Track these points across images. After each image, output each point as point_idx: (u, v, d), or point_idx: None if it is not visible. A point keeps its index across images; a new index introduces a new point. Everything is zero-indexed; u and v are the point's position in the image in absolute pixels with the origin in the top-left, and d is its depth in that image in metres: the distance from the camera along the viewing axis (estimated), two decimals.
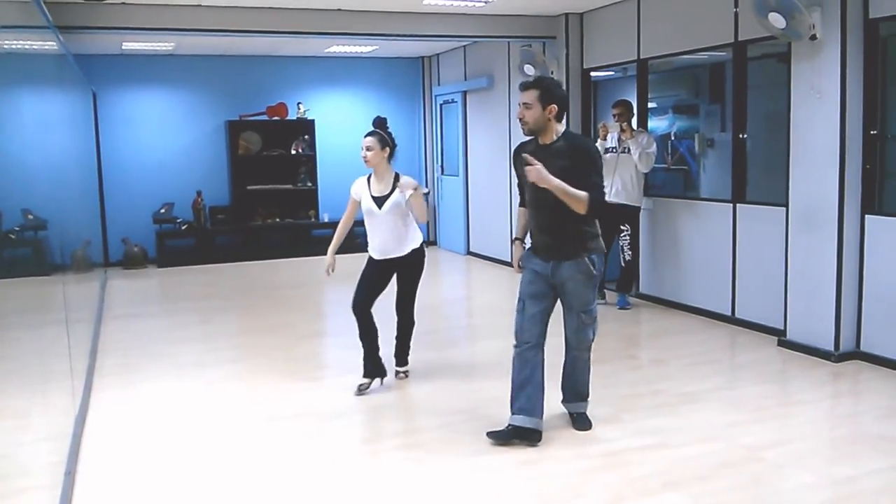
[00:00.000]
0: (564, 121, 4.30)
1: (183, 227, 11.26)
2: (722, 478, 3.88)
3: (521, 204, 4.53)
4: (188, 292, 9.46)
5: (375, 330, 5.28)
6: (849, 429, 4.71)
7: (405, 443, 4.47)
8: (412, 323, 5.48)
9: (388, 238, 5.20)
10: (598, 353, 6.23)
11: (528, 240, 4.54)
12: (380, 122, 5.33)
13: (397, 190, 5.14)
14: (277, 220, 11.77)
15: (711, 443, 4.32)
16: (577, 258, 4.19)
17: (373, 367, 5.29)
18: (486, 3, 7.85)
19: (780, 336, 6.26)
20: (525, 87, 4.21)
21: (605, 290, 7.92)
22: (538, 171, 3.99)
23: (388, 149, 5.21)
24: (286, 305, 8.46)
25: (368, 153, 5.16)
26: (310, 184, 11.81)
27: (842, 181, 5.67)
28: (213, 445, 4.48)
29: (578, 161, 4.12)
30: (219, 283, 9.88)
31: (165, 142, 11.46)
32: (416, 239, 5.28)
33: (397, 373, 5.53)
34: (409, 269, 5.29)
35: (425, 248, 5.40)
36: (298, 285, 9.60)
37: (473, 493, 3.81)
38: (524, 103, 4.16)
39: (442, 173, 12.34)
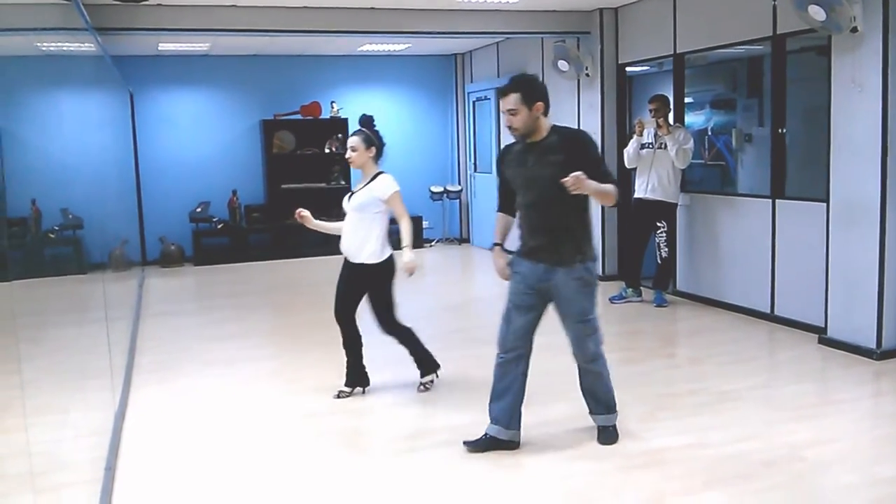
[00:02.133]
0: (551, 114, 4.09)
1: (219, 226, 11.36)
2: (763, 477, 3.82)
3: (500, 209, 4.33)
4: (224, 290, 9.54)
5: (359, 339, 5.14)
6: (891, 428, 4.62)
7: (435, 441, 4.43)
8: (405, 332, 5.15)
9: (348, 237, 4.99)
10: (635, 352, 6.23)
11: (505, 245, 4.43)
12: (366, 121, 5.14)
13: (367, 189, 4.97)
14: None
15: (751, 441, 4.26)
16: (572, 264, 3.99)
17: (354, 377, 5.19)
18: None
19: (820, 333, 6.15)
20: (504, 92, 3.96)
21: (642, 288, 7.84)
22: (578, 179, 3.71)
23: (373, 148, 4.99)
24: (320, 303, 8.42)
25: (353, 154, 4.97)
26: (343, 182, 11.84)
27: (884, 176, 5.55)
28: (248, 441, 4.51)
29: (574, 153, 3.90)
30: (254, 281, 9.95)
31: (201, 141, 11.57)
32: (374, 252, 4.91)
33: (422, 385, 5.26)
34: (364, 280, 4.99)
35: (393, 265, 4.99)
36: (332, 283, 9.56)
37: (510, 492, 3.79)
38: (508, 110, 3.93)
39: (475, 170, 12.31)
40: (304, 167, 11.72)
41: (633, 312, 7.44)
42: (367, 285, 5.01)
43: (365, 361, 5.22)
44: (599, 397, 4.29)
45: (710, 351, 6.12)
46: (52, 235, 9.59)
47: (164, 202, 11.35)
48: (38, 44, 7.35)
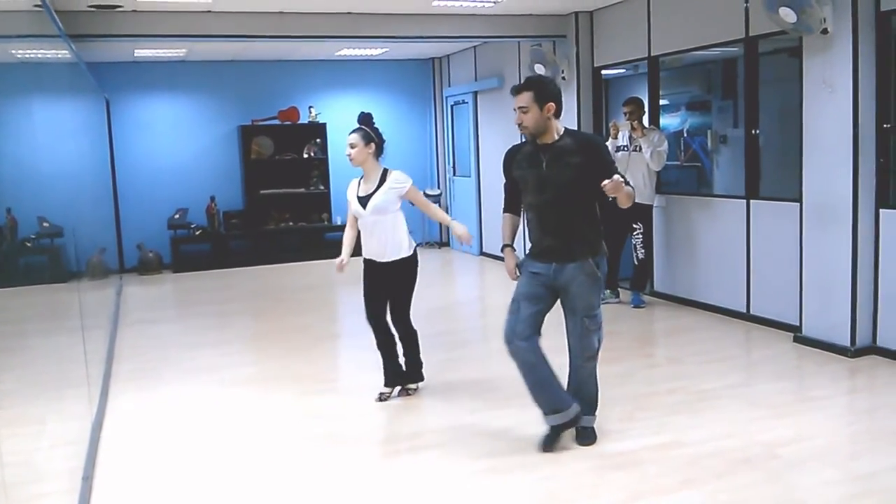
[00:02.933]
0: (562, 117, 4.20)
1: (197, 233, 11.31)
2: (739, 475, 3.86)
3: (507, 209, 4.42)
4: (203, 297, 9.50)
5: (393, 338, 5.16)
6: (867, 424, 4.69)
7: (417, 445, 4.46)
8: (411, 333, 5.20)
9: (375, 242, 5.00)
10: (613, 353, 6.24)
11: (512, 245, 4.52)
12: (365, 118, 5.15)
13: (383, 190, 4.96)
14: (290, 223, 11.80)
15: (728, 440, 4.30)
16: (583, 260, 4.08)
17: (393, 376, 5.19)
18: (495, 3, 7.85)
19: (795, 332, 6.22)
20: (518, 90, 4.07)
21: (619, 289, 7.89)
22: (617, 184, 3.80)
23: (373, 144, 4.98)
24: (301, 308, 8.48)
25: (352, 150, 4.97)
26: (322, 187, 11.84)
27: (855, 175, 5.62)
28: (229, 449, 4.49)
29: (594, 157, 4.03)
30: (234, 288, 9.91)
31: (179, 148, 11.52)
32: (403, 246, 5.02)
33: (405, 390, 5.24)
34: (396, 277, 5.03)
35: (418, 256, 5.12)
36: (312, 288, 9.62)
37: (486, 495, 3.80)
38: (520, 107, 4.03)
39: (454, 174, 12.34)
40: (282, 172, 11.70)
41: (611, 313, 7.46)
42: (401, 279, 5.06)
43: (383, 368, 5.22)
44: (586, 397, 4.30)
45: (688, 350, 6.17)
46: (28, 244, 9.51)
47: (141, 209, 11.28)
48: (11, 51, 7.29)
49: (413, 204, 5.15)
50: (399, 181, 5.00)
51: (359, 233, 5.15)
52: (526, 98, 4.02)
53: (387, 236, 4.98)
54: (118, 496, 3.93)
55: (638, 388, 5.26)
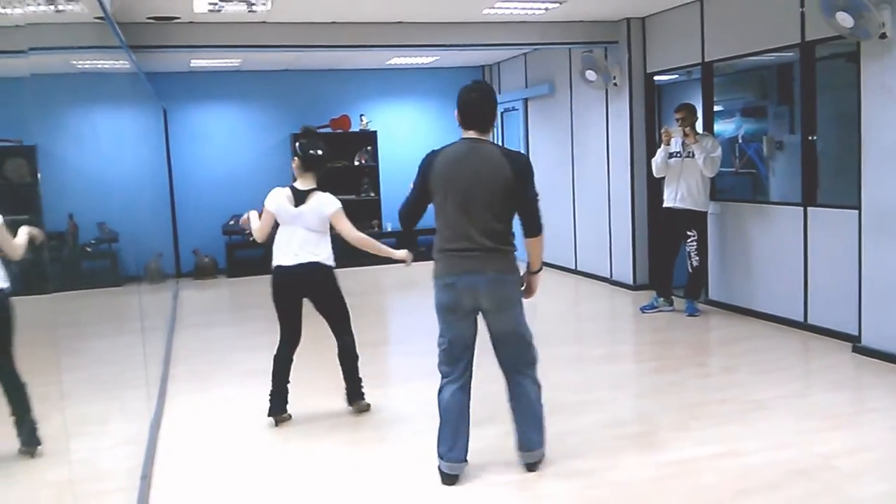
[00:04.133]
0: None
1: (251, 238, 11.44)
2: (794, 486, 3.79)
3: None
4: (257, 301, 9.59)
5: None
6: None
7: (472, 448, 4.45)
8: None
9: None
10: (667, 361, 6.21)
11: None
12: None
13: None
14: None
15: (783, 451, 4.23)
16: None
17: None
18: (545, 10, 7.85)
19: (854, 342, 6.09)
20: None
21: (674, 297, 7.81)
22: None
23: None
24: (354, 311, 8.54)
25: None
26: (373, 194, 11.94)
27: None
28: (282, 451, 4.56)
29: None
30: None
31: (233, 155, 11.73)
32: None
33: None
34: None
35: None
36: (362, 293, 9.67)
37: (535, 502, 3.79)
38: None
39: None
40: (333, 179, 11.77)
41: (665, 322, 7.41)
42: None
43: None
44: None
45: (743, 360, 6.07)
46: (88, 249, 9.77)
47: (197, 215, 11.51)
48: (74, 62, 7.51)
49: None
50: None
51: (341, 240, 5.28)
52: None
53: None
54: (176, 494, 4.02)
55: (692, 397, 5.20)
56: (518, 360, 3.99)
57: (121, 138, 8.66)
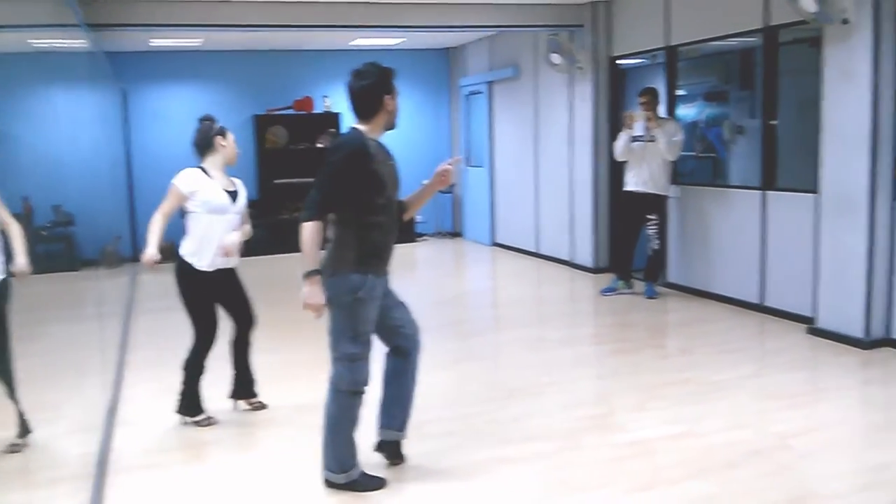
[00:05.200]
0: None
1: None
2: (751, 465, 3.85)
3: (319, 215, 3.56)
4: None
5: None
6: (880, 416, 4.67)
7: (428, 433, 4.45)
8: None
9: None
10: (627, 343, 6.26)
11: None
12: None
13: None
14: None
15: (740, 431, 4.29)
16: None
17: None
18: None
19: (809, 324, 6.18)
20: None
21: (633, 280, 7.87)
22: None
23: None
24: None
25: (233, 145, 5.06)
26: None
27: (873, 166, 5.58)
28: (242, 435, 4.52)
29: None
30: (247, 276, 9.84)
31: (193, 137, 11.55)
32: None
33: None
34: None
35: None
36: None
37: (498, 484, 3.81)
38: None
39: (468, 165, 12.32)
40: (296, 162, 11.72)
41: (625, 304, 7.47)
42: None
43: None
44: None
45: (701, 341, 6.15)
46: (43, 232, 9.59)
47: (156, 198, 10.97)
48: (31, 40, 7.34)
49: None
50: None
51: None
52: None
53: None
54: (132, 482, 3.96)
55: (650, 379, 5.24)
56: None
57: (78, 119, 8.50)
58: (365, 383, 3.68)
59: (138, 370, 5.88)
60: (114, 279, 8.63)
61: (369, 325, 3.65)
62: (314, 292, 3.55)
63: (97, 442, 4.33)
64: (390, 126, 3.73)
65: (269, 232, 11.61)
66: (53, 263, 8.79)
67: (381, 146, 3.72)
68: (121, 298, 8.14)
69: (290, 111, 11.72)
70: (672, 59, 7.92)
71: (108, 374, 5.31)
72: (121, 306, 7.80)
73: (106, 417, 4.71)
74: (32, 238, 9.42)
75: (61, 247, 9.48)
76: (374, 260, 3.63)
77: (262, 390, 4.98)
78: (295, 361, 6.00)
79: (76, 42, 7.20)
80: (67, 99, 9.62)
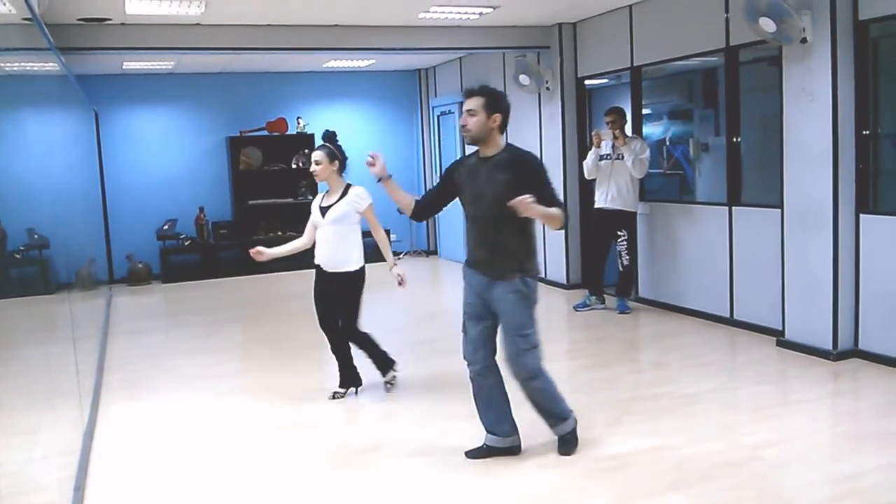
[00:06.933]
0: (507, 135, 4.19)
1: (186, 243, 11.33)
2: (725, 477, 3.93)
3: (419, 200, 4.50)
4: (193, 307, 9.52)
5: (346, 343, 5.39)
6: (849, 426, 4.77)
7: (405, 450, 4.50)
8: (364, 339, 5.40)
9: (327, 249, 5.26)
10: (599, 358, 6.34)
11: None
12: (329, 136, 5.42)
13: (343, 202, 5.24)
14: (279, 233, 11.80)
15: (713, 443, 4.37)
16: (511, 278, 4.03)
17: (347, 378, 5.47)
18: (480, 14, 7.94)
19: (778, 336, 6.31)
20: (470, 93, 4.10)
21: (605, 295, 7.97)
22: (523, 204, 3.77)
23: (336, 161, 5.29)
24: (289, 317, 8.52)
25: (317, 167, 5.27)
26: (311, 197, 11.81)
27: (835, 181, 5.73)
28: (220, 457, 4.53)
29: (522, 174, 3.98)
30: (223, 297, 9.94)
31: (167, 159, 11.55)
32: (352, 260, 5.24)
33: (388, 384, 5.55)
34: (340, 289, 5.26)
35: (365, 273, 5.31)
36: (300, 297, 9.58)
37: (477, 498, 3.86)
38: (468, 110, 4.04)
39: None
40: (270, 183, 11.74)
41: (597, 319, 7.56)
42: (346, 292, 5.27)
43: (338, 371, 5.46)
44: (547, 410, 4.29)
45: (673, 355, 6.25)
46: (17, 256, 9.51)
47: (130, 220, 11.29)
48: (0, 63, 7.34)
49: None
50: (360, 197, 5.29)
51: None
52: (476, 102, 4.05)
53: (341, 247, 5.24)
54: None
55: (624, 393, 5.33)
56: None
57: (50, 142, 8.46)
58: None
59: (115, 392, 5.87)
60: (89, 302, 8.58)
61: None
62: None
63: (74, 465, 4.32)
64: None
65: (244, 252, 11.59)
66: (28, 287, 8.71)
67: (476, 163, 4.22)
68: (96, 321, 8.10)
69: (264, 132, 11.74)
70: (637, 79, 8.08)
71: (85, 397, 5.29)
72: (96, 329, 7.76)
73: (83, 440, 4.70)
74: (6, 262, 9.37)
75: (35, 270, 9.40)
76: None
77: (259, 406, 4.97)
78: (264, 381, 6.01)
79: (47, 65, 7.20)
80: (39, 122, 9.56)
